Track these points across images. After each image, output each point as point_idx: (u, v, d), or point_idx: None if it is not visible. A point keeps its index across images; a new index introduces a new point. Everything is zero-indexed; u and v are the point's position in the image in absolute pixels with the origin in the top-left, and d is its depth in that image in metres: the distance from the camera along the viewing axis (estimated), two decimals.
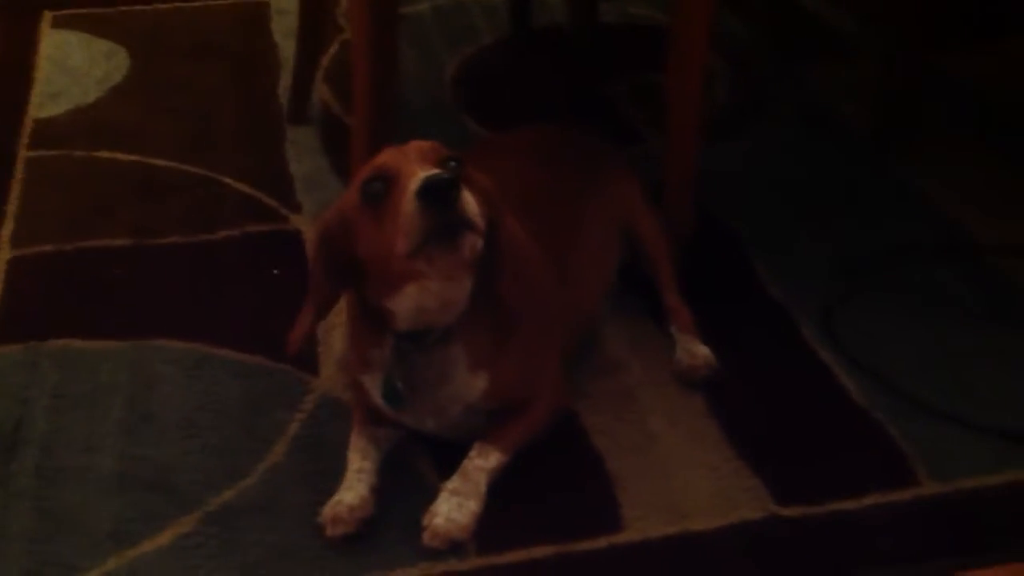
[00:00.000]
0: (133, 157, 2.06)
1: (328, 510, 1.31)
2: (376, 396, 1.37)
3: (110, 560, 1.28)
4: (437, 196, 1.17)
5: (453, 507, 1.31)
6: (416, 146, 1.27)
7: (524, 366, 1.38)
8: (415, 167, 1.22)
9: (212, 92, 2.29)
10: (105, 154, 2.07)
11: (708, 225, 1.80)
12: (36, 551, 1.29)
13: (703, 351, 1.57)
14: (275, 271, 1.76)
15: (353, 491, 1.33)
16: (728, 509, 1.36)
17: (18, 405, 1.49)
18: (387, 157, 1.26)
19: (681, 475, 1.40)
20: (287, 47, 2.33)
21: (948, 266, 1.77)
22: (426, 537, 1.29)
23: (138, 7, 2.63)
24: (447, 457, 1.38)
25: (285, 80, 2.25)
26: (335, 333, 1.59)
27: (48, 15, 2.57)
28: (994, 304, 1.69)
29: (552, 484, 1.39)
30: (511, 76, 2.37)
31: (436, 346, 1.32)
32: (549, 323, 1.43)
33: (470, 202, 1.20)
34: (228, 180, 1.99)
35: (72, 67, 2.35)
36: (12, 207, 1.90)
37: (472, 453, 1.35)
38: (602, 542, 1.32)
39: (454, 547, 1.30)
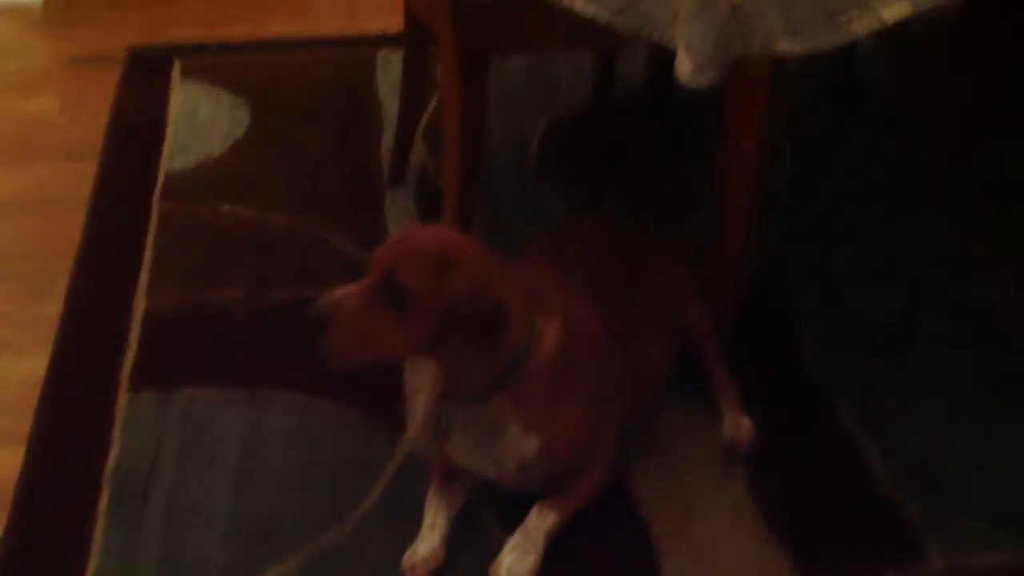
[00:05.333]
0: (251, 212, 2.23)
1: (407, 559, 1.54)
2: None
3: None
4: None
5: (515, 559, 1.51)
6: (381, 253, 1.46)
7: (578, 435, 1.56)
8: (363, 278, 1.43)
9: (320, 150, 2.44)
10: (227, 207, 2.24)
11: (758, 294, 1.92)
12: None
13: (747, 425, 1.74)
14: None
15: (427, 543, 1.55)
16: None
17: (152, 451, 1.71)
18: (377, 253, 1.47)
19: (718, 549, 1.58)
20: (390, 104, 2.50)
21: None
22: None
23: (258, 56, 2.83)
24: (512, 514, 1.57)
25: (388, 138, 2.38)
26: (419, 397, 1.80)
27: (178, 64, 2.77)
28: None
29: (601, 547, 1.58)
30: (591, 148, 2.47)
31: (481, 404, 1.51)
32: (607, 399, 1.61)
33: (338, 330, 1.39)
34: (334, 239, 2.16)
35: (199, 121, 2.54)
36: (147, 258, 2.11)
37: (533, 512, 1.55)
38: None
39: None
